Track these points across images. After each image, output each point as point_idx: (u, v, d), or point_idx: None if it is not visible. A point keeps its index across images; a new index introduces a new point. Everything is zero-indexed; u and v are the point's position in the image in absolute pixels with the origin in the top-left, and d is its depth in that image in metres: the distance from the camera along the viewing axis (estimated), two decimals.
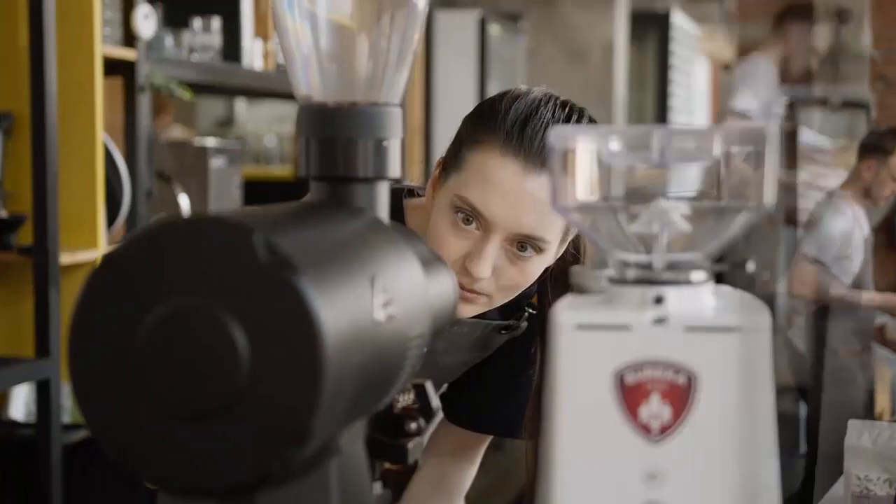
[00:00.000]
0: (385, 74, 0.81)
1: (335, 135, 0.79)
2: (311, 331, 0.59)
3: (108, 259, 0.61)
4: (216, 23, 2.93)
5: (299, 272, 0.59)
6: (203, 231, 0.60)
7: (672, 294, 0.67)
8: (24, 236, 2.33)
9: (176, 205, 2.76)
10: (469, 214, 1.22)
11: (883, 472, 1.81)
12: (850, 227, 4.24)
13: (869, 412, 4.04)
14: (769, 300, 4.58)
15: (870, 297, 4.30)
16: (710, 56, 9.04)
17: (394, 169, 0.81)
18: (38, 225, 2.28)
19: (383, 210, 0.81)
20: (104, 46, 2.47)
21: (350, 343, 0.62)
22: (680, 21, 7.52)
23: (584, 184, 0.70)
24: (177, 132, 4.10)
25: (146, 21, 2.56)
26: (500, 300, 1.27)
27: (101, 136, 2.42)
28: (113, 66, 2.56)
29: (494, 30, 4.81)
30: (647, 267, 0.69)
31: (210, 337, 0.59)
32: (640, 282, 0.68)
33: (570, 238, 1.30)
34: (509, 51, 4.97)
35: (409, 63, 0.83)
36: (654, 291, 0.67)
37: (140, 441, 0.61)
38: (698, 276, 0.69)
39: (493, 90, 5.51)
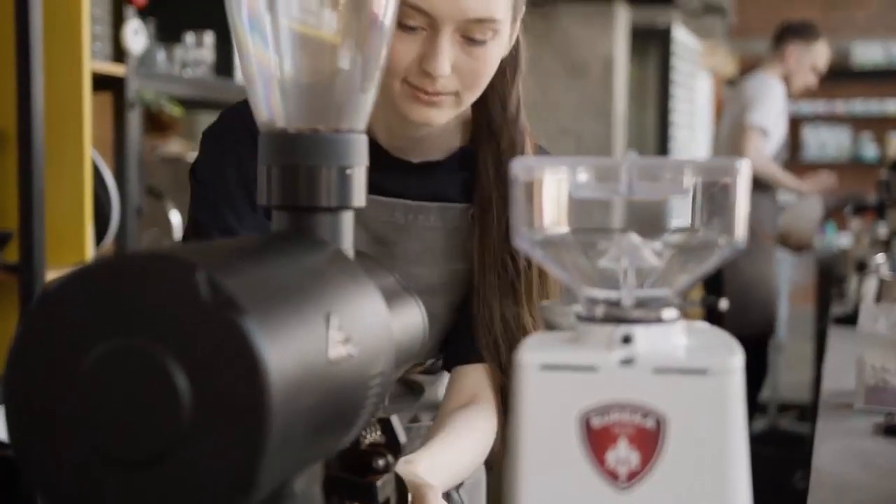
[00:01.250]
0: (349, 99, 0.78)
1: (297, 163, 0.76)
2: (255, 373, 0.56)
3: (46, 295, 0.58)
4: (209, 38, 2.90)
5: (244, 311, 0.56)
6: (145, 268, 0.57)
7: (641, 333, 0.64)
8: (10, 253, 2.30)
9: (167, 221, 2.74)
10: (412, 16, 1.17)
11: None
12: (783, 101, 4.37)
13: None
14: (770, 319, 4.54)
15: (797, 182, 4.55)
16: (712, 71, 9.02)
17: (359, 198, 0.78)
18: (24, 242, 2.25)
19: (347, 240, 0.78)
20: (93, 62, 2.44)
21: (300, 385, 0.59)
22: (681, 36, 7.50)
23: (549, 216, 0.67)
24: (175, 146, 4.08)
25: (136, 36, 2.53)
26: (470, 97, 1.23)
27: (89, 153, 2.40)
28: (102, 82, 2.53)
29: None
30: (616, 304, 0.66)
31: (150, 379, 0.56)
32: (608, 320, 0.65)
33: (521, 16, 1.26)
34: None
35: (375, 85, 0.80)
36: (621, 330, 0.65)
37: (77, 486, 0.58)
38: (669, 313, 0.66)
39: None
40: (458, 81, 1.20)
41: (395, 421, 0.81)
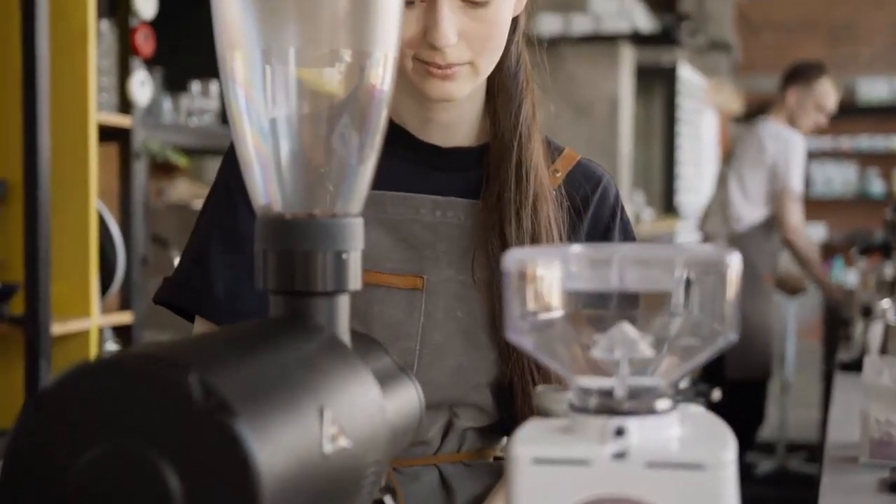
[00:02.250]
0: (344, 183, 0.79)
1: (293, 248, 0.76)
2: (249, 477, 0.56)
3: (41, 396, 0.59)
4: (214, 87, 2.93)
5: (237, 415, 0.57)
6: (137, 370, 0.58)
7: (634, 425, 0.64)
8: (16, 305, 2.31)
9: (172, 269, 2.74)
10: None
11: None
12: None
13: None
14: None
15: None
16: (717, 107, 9.05)
17: (354, 281, 0.78)
18: (29, 295, 2.26)
19: (343, 323, 0.78)
20: (99, 114, 2.46)
21: (294, 484, 0.59)
22: (687, 74, 7.53)
23: (542, 307, 0.67)
24: (181, 188, 4.09)
25: (142, 88, 2.55)
26: (486, 65, 1.16)
27: (94, 204, 2.41)
28: (109, 133, 2.55)
29: None
30: (609, 394, 0.67)
31: (143, 482, 0.56)
32: (601, 411, 0.66)
33: None
34: None
35: (371, 169, 0.81)
36: (614, 423, 0.65)
37: None
38: (662, 404, 0.66)
39: None
40: (469, 49, 1.14)
41: (389, 501, 0.81)
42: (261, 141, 0.78)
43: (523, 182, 1.21)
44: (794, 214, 4.36)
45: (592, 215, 1.27)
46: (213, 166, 3.29)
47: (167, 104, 2.82)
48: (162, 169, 3.75)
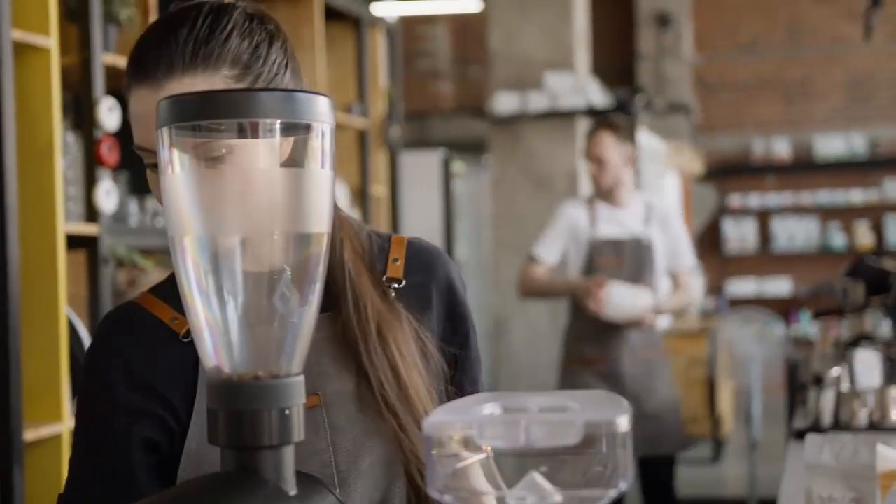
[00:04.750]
0: (287, 346, 0.88)
1: (241, 407, 0.85)
2: None
3: None
4: None
5: None
6: None
7: None
8: None
9: None
10: (148, 157, 1.17)
11: (848, 491, 1.69)
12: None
13: None
14: None
15: None
16: (679, 168, 9.23)
17: (298, 433, 0.87)
18: (1, 403, 2.32)
19: (289, 472, 0.87)
20: (67, 223, 2.55)
21: None
22: (646, 140, 7.69)
23: (458, 467, 0.76)
24: (155, 278, 4.15)
25: (108, 197, 2.64)
26: None
27: (64, 312, 2.49)
28: (76, 241, 2.63)
29: (458, 166, 4.93)
30: None
31: None
32: None
33: None
34: (474, 185, 5.08)
35: (310, 328, 0.89)
36: None
37: None
38: None
39: (459, 224, 5.62)
40: None
41: None
42: (209, 312, 0.87)
43: (345, 289, 1.24)
44: (521, 275, 4.03)
45: (436, 288, 1.31)
46: None
47: (133, 207, 2.91)
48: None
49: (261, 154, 0.88)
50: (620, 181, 3.89)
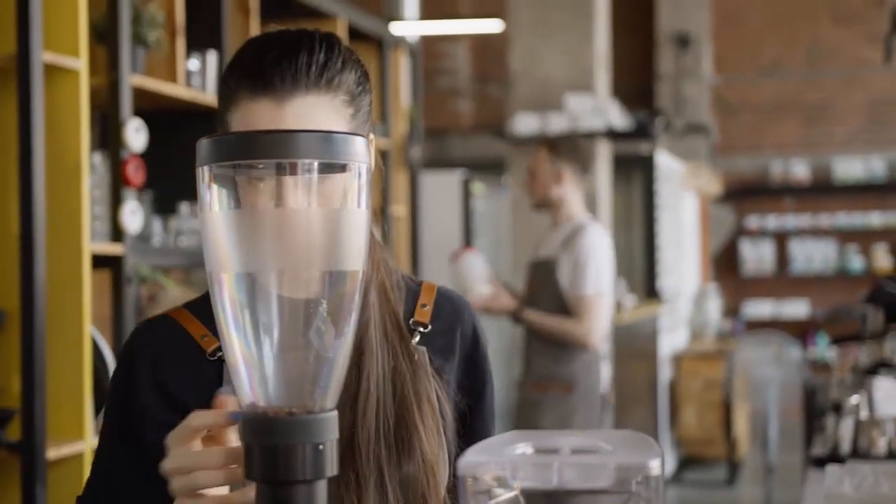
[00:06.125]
0: (322, 382, 0.89)
1: (276, 442, 0.87)
2: None
3: None
4: None
5: None
6: None
7: None
8: (12, 431, 2.39)
9: None
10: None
11: None
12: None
13: None
14: None
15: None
16: (696, 190, 9.22)
17: (331, 468, 0.88)
18: (25, 420, 2.34)
19: None
20: (92, 243, 2.57)
21: None
22: (664, 161, 7.70)
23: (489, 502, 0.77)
24: (174, 294, 4.17)
25: (133, 217, 2.67)
26: None
27: (88, 330, 2.51)
28: (101, 260, 2.66)
29: (478, 188, 4.94)
30: None
31: None
32: None
33: (370, 138, 1.20)
34: (493, 205, 5.09)
35: (344, 365, 0.91)
36: None
37: None
38: None
39: (478, 244, 5.63)
40: None
41: None
42: (245, 347, 0.89)
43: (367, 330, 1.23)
44: None
45: (461, 337, 1.33)
46: (202, 276, 3.40)
47: (157, 226, 2.94)
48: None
49: (299, 193, 0.89)
50: (549, 198, 3.91)
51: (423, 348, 1.26)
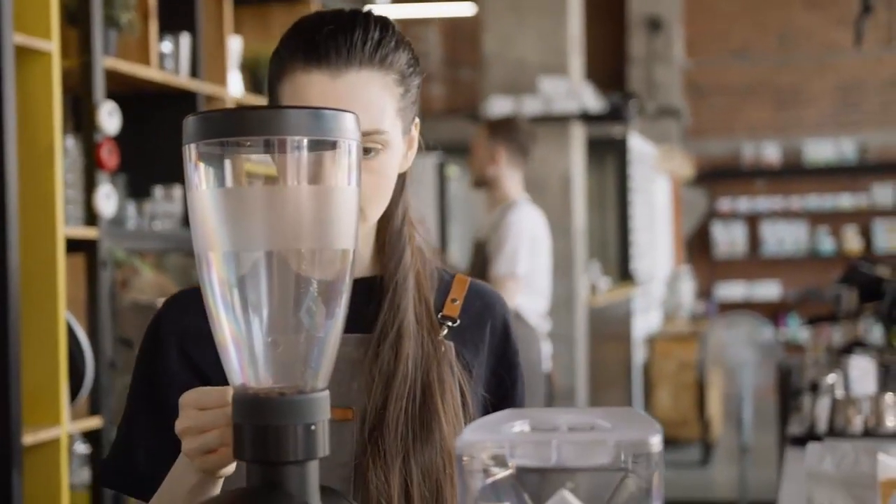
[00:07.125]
0: (312, 362, 0.88)
1: (266, 423, 0.86)
2: None
3: None
4: (178, 191, 3.02)
5: None
6: None
7: None
8: None
9: None
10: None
11: (849, 499, 1.70)
12: None
13: None
14: None
15: None
16: (669, 173, 9.25)
17: (323, 448, 0.87)
18: (1, 407, 2.31)
19: (313, 487, 0.87)
20: (67, 227, 2.54)
21: None
22: (637, 144, 7.71)
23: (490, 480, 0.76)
24: (147, 277, 4.14)
25: (107, 200, 2.64)
26: (373, 212, 1.21)
27: (63, 315, 2.48)
28: (75, 244, 2.63)
29: (452, 171, 4.93)
30: None
31: None
32: None
33: (414, 128, 1.25)
34: (468, 188, 5.08)
35: (335, 344, 0.90)
36: None
37: None
38: None
39: (453, 229, 5.62)
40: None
41: None
42: (234, 327, 0.87)
43: (389, 324, 1.24)
44: None
45: (490, 332, 1.32)
46: (176, 260, 3.37)
47: (131, 210, 2.91)
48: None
49: (288, 170, 0.88)
50: (484, 177, 3.96)
51: (451, 343, 1.26)
